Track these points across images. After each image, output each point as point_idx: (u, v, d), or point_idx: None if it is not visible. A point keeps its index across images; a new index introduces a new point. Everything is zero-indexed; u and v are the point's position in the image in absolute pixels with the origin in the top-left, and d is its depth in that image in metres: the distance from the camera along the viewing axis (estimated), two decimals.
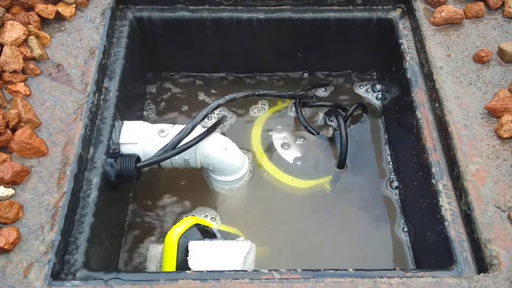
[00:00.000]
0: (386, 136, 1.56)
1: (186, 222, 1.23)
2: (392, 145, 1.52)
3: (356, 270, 1.03)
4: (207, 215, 1.40)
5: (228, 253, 1.17)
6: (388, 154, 1.52)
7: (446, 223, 1.10)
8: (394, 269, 1.04)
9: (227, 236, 1.30)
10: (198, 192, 1.45)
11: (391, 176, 1.48)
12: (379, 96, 1.65)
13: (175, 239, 1.18)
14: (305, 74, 1.71)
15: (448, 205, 1.12)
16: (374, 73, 1.70)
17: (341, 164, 1.48)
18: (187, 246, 1.17)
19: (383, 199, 1.45)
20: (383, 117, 1.61)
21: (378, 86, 1.66)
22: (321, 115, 1.62)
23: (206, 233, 1.26)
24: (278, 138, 1.57)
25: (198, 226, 1.24)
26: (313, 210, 1.44)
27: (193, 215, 1.39)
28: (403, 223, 1.39)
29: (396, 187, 1.45)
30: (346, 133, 1.45)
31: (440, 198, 1.14)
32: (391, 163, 1.50)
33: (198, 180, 1.46)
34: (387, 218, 1.41)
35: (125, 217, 1.39)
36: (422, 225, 1.25)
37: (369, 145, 1.56)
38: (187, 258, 1.15)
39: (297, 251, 1.36)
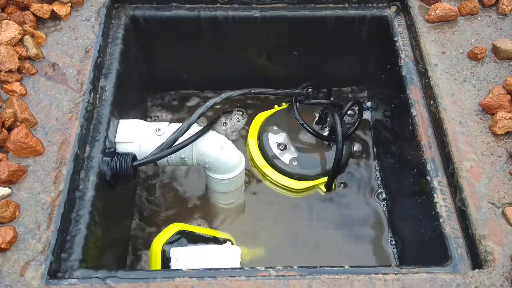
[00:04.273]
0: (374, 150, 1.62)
1: (170, 229, 1.25)
2: (379, 157, 1.56)
3: (351, 266, 1.04)
4: (205, 215, 1.40)
5: (209, 257, 1.18)
6: (376, 170, 1.58)
7: (441, 220, 1.10)
8: (390, 266, 1.04)
9: (216, 240, 1.30)
10: (197, 189, 1.45)
11: (379, 190, 1.53)
12: (369, 112, 1.70)
13: (159, 246, 1.20)
14: (300, 71, 1.71)
15: (443, 201, 1.13)
16: (366, 91, 1.76)
17: (339, 157, 1.48)
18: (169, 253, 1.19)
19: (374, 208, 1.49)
20: (372, 130, 1.63)
21: (368, 104, 1.71)
22: (318, 112, 1.62)
23: (192, 238, 1.27)
24: (274, 138, 1.56)
25: (182, 232, 1.25)
26: (309, 211, 1.45)
27: (181, 222, 1.38)
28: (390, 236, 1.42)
29: (384, 199, 1.51)
30: (342, 130, 1.45)
31: (435, 195, 1.14)
32: (379, 178, 1.55)
33: (196, 178, 1.46)
34: (380, 221, 1.44)
35: (122, 215, 1.39)
36: (417, 222, 1.26)
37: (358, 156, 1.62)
38: (170, 264, 1.17)
39: (291, 254, 1.37)
